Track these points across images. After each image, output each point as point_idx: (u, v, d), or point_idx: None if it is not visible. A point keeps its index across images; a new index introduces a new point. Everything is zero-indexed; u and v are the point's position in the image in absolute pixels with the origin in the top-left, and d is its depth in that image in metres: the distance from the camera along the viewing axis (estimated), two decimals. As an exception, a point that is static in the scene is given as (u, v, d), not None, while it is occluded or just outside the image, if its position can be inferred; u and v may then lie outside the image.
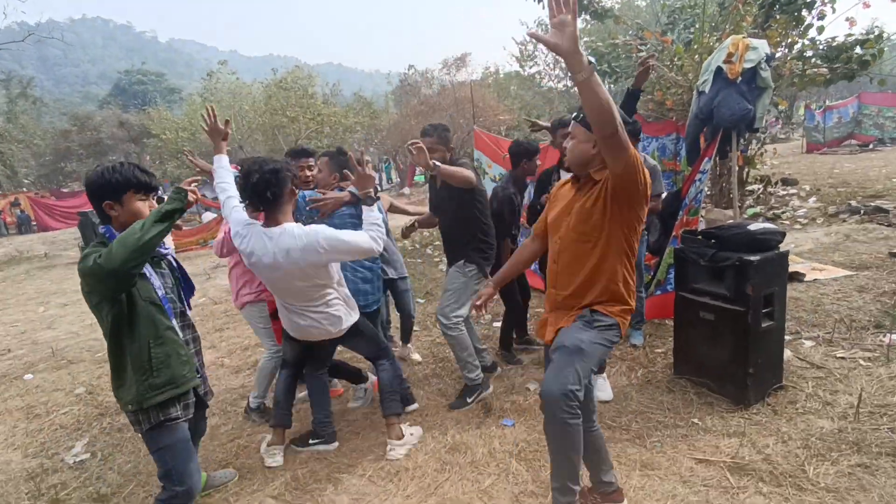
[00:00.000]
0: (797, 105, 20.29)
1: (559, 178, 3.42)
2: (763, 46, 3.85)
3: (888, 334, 3.65)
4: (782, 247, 3.04)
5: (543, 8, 7.81)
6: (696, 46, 7.55)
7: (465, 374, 3.34)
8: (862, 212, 7.24)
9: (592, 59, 1.62)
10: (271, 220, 2.43)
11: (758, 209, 8.17)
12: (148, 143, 23.52)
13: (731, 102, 3.81)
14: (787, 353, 3.55)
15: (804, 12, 6.52)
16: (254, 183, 2.32)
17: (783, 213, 8.00)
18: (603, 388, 3.23)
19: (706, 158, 4.21)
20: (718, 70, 3.92)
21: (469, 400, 3.29)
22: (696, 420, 2.89)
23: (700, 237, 3.23)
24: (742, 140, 7.96)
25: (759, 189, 8.92)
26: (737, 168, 4.45)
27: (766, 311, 2.96)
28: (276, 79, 20.52)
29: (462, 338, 3.23)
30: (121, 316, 1.85)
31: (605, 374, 3.36)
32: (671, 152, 4.69)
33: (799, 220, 7.63)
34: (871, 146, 16.43)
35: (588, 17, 8.33)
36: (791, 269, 5.33)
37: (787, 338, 3.83)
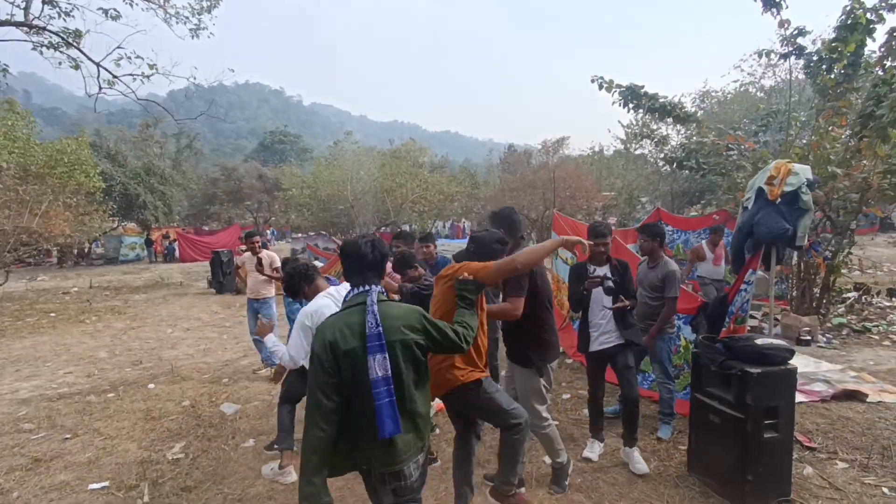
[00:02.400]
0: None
1: (594, 271, 3.85)
2: (805, 172, 4.10)
3: (931, 470, 3.53)
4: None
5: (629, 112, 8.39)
6: (785, 150, 7.66)
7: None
8: (966, 336, 6.63)
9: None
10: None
11: (845, 319, 7.72)
12: (278, 195, 26.87)
13: (770, 221, 4.06)
14: (809, 470, 3.59)
15: (892, 130, 6.45)
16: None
17: (875, 326, 7.49)
18: (638, 461, 3.66)
19: (750, 270, 4.43)
20: (760, 190, 4.21)
21: (566, 483, 3.41)
22: (688, 516, 3.09)
23: (715, 344, 3.50)
24: (820, 248, 7.76)
25: (853, 297, 8.41)
26: (775, 279, 4.53)
27: (770, 422, 3.13)
28: (392, 149, 22.77)
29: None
30: None
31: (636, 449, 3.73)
32: (693, 245, 5.03)
33: (892, 336, 7.12)
34: None
35: (671, 121, 8.76)
36: (856, 387, 5.18)
37: (821, 456, 3.86)
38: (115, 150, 25.61)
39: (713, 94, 20.96)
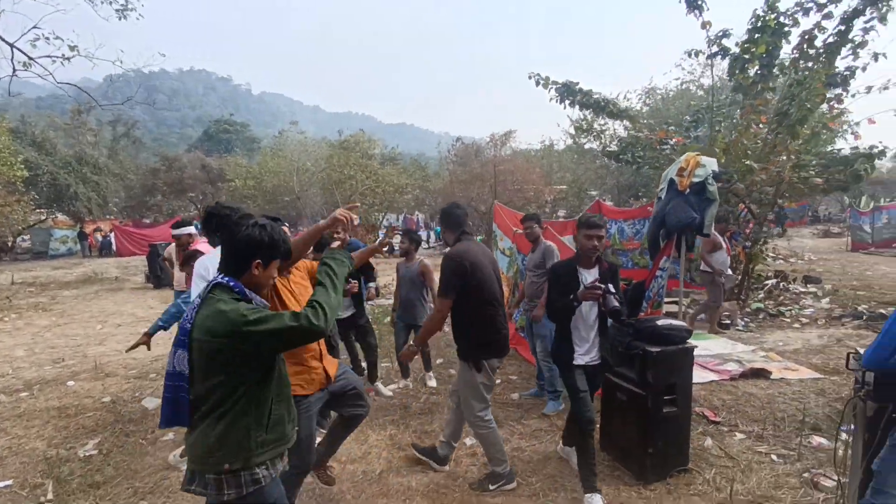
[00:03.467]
0: (860, 202, 19.90)
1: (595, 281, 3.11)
2: (711, 164, 4.37)
3: (815, 437, 3.86)
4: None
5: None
6: (710, 145, 8.06)
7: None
8: (864, 317, 7.24)
9: None
10: None
11: (763, 304, 8.26)
12: (222, 186, 25.99)
13: (679, 210, 4.31)
14: (709, 442, 3.85)
15: (800, 127, 6.92)
16: None
17: (789, 310, 8.06)
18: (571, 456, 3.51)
19: (664, 257, 4.68)
20: (672, 181, 4.45)
21: (491, 487, 3.24)
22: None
23: (624, 326, 3.68)
24: (739, 238, 8.25)
25: (771, 284, 9.00)
26: (684, 265, 4.81)
27: (668, 398, 3.34)
28: (341, 140, 22.46)
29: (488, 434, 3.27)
30: (266, 373, 1.84)
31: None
32: (628, 234, 5.30)
33: (802, 319, 7.68)
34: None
35: (605, 117, 9.07)
36: (764, 366, 5.57)
37: (723, 429, 4.14)
38: (42, 138, 24.02)
39: (658, 91, 21.74)
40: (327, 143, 23.06)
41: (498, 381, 5.39)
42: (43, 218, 25.00)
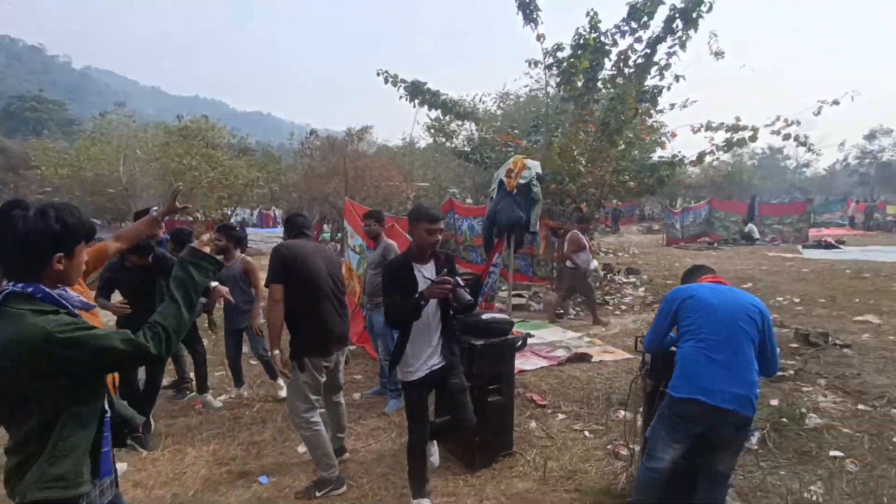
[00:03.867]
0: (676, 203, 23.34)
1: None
2: (535, 167, 4.73)
3: (621, 411, 4.37)
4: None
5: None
6: (547, 149, 8.75)
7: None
8: (668, 304, 8.44)
9: None
10: None
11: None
12: (26, 174, 21.98)
13: (508, 210, 4.59)
14: (533, 424, 4.16)
15: (617, 137, 7.83)
16: None
17: (612, 299, 9.11)
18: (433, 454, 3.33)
19: (497, 254, 4.96)
20: (501, 182, 4.72)
21: (318, 494, 3.11)
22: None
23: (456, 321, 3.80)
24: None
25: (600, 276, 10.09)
26: (512, 260, 5.18)
27: (493, 387, 3.53)
28: (179, 125, 20.34)
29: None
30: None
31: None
32: (478, 231, 5.53)
33: (622, 306, 8.73)
34: (715, 245, 18.99)
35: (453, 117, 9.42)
36: (587, 350, 6.19)
37: (548, 411, 4.49)
38: None
39: (510, 96, 23.10)
40: (163, 128, 20.65)
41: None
42: None
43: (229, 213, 21.76)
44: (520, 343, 5.74)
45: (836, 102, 7.69)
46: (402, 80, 8.01)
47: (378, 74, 7.99)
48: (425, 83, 8.06)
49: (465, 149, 10.85)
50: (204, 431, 4.06)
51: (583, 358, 5.94)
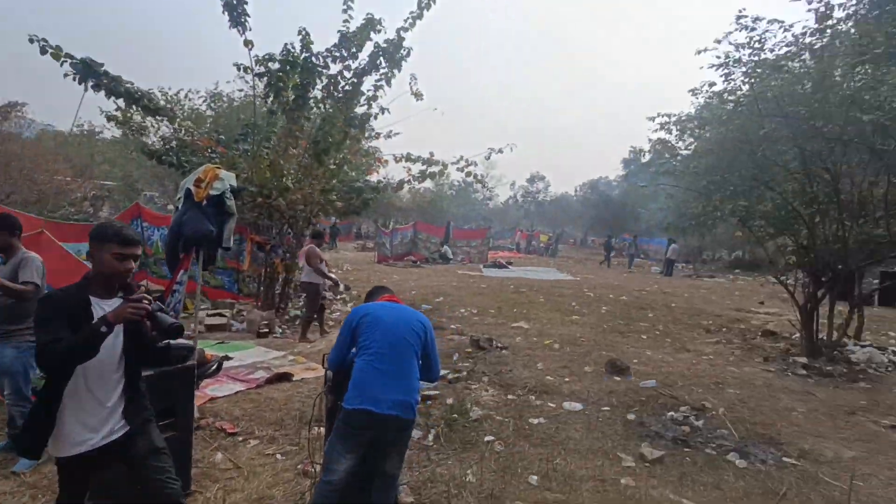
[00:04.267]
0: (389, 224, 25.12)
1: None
2: (230, 179, 4.44)
3: (316, 428, 4.40)
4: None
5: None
6: (256, 160, 8.32)
7: None
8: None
9: None
10: None
11: (300, 311, 9.19)
12: None
13: (196, 221, 4.16)
14: (219, 456, 3.83)
15: (325, 156, 8.05)
16: None
17: (331, 313, 9.21)
18: None
19: (182, 270, 4.44)
20: (189, 191, 4.27)
21: None
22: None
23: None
24: (279, 251, 8.96)
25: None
26: (200, 277, 4.78)
27: (166, 422, 3.10)
28: None
29: None
30: None
31: None
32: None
33: (330, 321, 8.90)
34: (418, 263, 21.37)
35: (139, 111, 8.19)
36: (289, 369, 6.08)
37: (239, 439, 4.19)
38: None
39: (224, 97, 21.25)
40: None
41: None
42: None
43: None
44: (213, 368, 5.30)
45: (500, 151, 9.55)
46: (69, 55, 6.48)
47: (32, 41, 6.29)
48: (102, 64, 6.71)
49: (156, 148, 9.52)
50: None
51: (283, 377, 5.82)
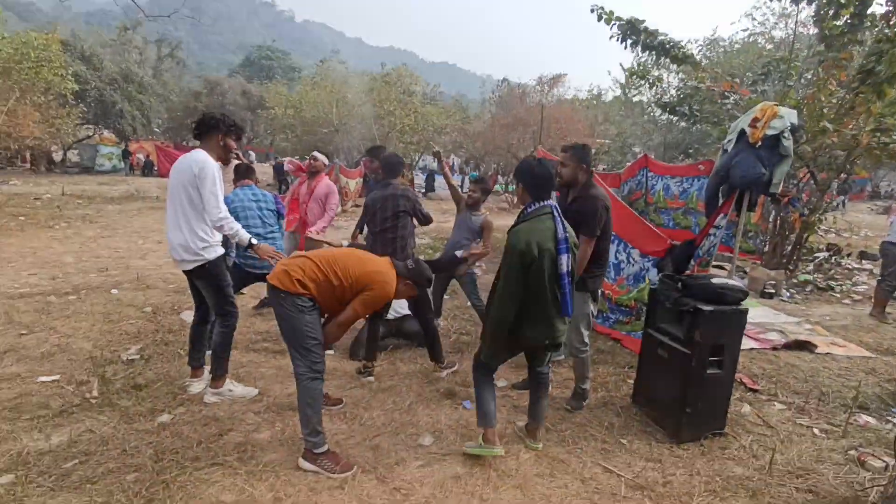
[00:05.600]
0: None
1: None
2: (791, 116, 3.98)
3: (862, 416, 3.68)
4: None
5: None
6: (782, 100, 7.44)
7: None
8: (924, 301, 6.80)
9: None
10: None
11: (812, 277, 7.86)
12: (261, 113, 25.94)
13: (747, 165, 3.97)
14: (747, 409, 3.72)
15: (888, 87, 6.24)
16: None
17: (840, 285, 7.66)
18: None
19: (721, 214, 4.38)
20: (742, 132, 4.09)
21: (584, 403, 3.60)
22: (624, 441, 3.19)
23: (672, 281, 3.49)
24: (798, 204, 7.74)
25: (822, 257, 8.53)
26: (742, 226, 4.52)
27: (714, 359, 3.19)
28: (383, 73, 21.85)
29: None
30: None
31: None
32: (673, 192, 4.96)
33: (853, 295, 7.29)
34: None
35: (668, 61, 8.41)
36: (808, 338, 5.32)
37: (762, 397, 3.99)
38: (91, 52, 24.11)
39: (721, 43, 20.20)
40: (369, 75, 22.48)
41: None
42: (90, 133, 25.52)
43: (416, 158, 23.14)
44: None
45: None
46: (618, 18, 7.32)
47: (592, 10, 7.40)
48: (643, 21, 7.27)
49: (670, 99, 9.75)
50: (410, 351, 4.45)
51: (804, 346, 5.13)
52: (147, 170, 24.95)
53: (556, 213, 2.65)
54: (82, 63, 22.56)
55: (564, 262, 2.59)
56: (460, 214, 4.81)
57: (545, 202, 2.67)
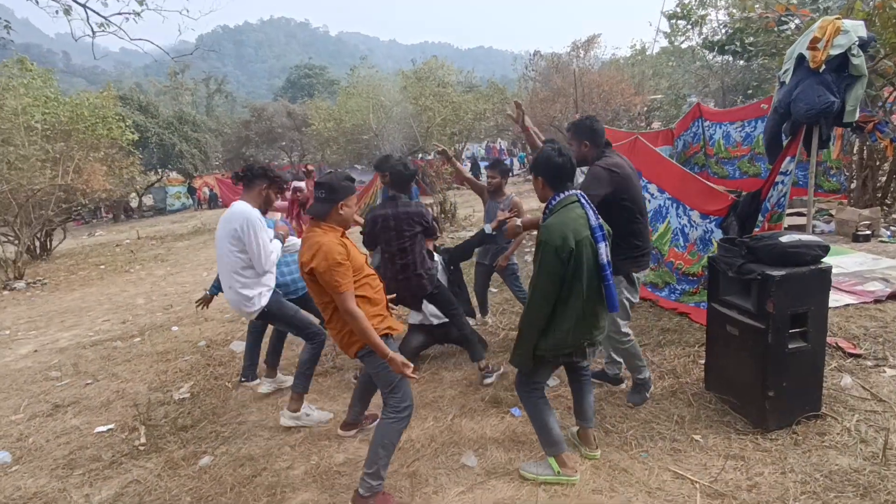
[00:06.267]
0: None
1: None
2: (857, 29, 3.34)
3: None
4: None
5: None
6: (847, 14, 6.48)
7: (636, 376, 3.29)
8: None
9: None
10: None
11: (913, 212, 6.81)
12: (306, 131, 26.58)
13: (811, 95, 3.37)
14: (848, 380, 3.16)
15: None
16: None
17: None
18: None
19: (787, 158, 3.79)
20: (801, 58, 3.49)
21: (647, 395, 3.26)
22: (698, 437, 2.78)
23: (734, 245, 3.01)
24: (887, 128, 6.71)
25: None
26: (816, 166, 3.88)
27: (796, 331, 2.70)
28: (413, 69, 21.67)
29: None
30: None
31: None
32: (735, 140, 4.35)
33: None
34: None
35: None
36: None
37: (866, 364, 3.40)
38: (147, 102, 25.71)
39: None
40: (400, 74, 22.35)
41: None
42: (158, 177, 27.28)
43: (460, 148, 22.80)
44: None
45: None
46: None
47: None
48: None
49: (717, 38, 8.81)
50: (457, 356, 4.21)
51: (918, 297, 4.37)
52: (213, 202, 26.35)
53: (583, 200, 2.42)
54: (140, 113, 24.08)
55: (603, 251, 2.36)
56: (486, 204, 4.54)
57: (569, 191, 2.45)
